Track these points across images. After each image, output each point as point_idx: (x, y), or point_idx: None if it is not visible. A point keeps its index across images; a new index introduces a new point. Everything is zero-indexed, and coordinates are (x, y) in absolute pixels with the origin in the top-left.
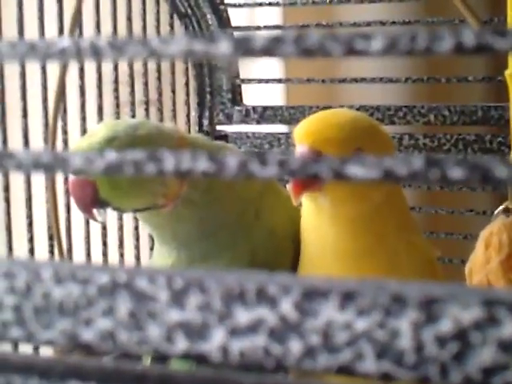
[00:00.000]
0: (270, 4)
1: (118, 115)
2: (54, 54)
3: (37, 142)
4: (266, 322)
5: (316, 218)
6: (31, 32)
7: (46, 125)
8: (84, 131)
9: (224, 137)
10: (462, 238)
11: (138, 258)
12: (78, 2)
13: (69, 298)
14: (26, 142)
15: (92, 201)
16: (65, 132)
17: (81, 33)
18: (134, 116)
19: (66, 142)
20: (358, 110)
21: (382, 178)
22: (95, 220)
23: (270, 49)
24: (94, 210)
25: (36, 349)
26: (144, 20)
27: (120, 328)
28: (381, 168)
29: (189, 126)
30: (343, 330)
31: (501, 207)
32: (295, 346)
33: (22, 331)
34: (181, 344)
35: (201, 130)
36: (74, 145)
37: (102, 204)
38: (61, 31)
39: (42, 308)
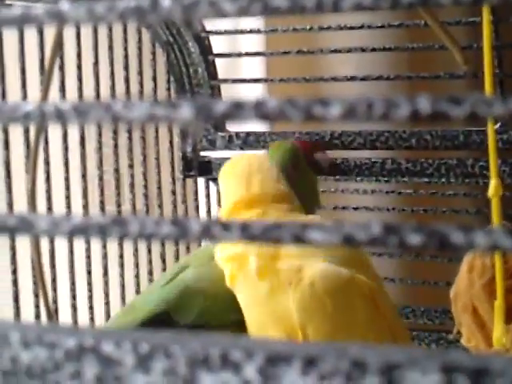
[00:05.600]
0: (251, 31)
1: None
2: (17, 117)
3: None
4: None
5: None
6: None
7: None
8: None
9: (208, 163)
10: (446, 261)
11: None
12: (57, 35)
13: (36, 361)
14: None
15: None
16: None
17: (62, 64)
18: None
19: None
20: (338, 137)
21: (341, 242)
22: None
23: (231, 114)
24: None
25: None
26: (126, 49)
27: None
28: (341, 233)
29: (172, 153)
30: None
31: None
32: None
33: None
34: None
35: (184, 155)
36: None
37: None
38: (41, 62)
39: (9, 372)
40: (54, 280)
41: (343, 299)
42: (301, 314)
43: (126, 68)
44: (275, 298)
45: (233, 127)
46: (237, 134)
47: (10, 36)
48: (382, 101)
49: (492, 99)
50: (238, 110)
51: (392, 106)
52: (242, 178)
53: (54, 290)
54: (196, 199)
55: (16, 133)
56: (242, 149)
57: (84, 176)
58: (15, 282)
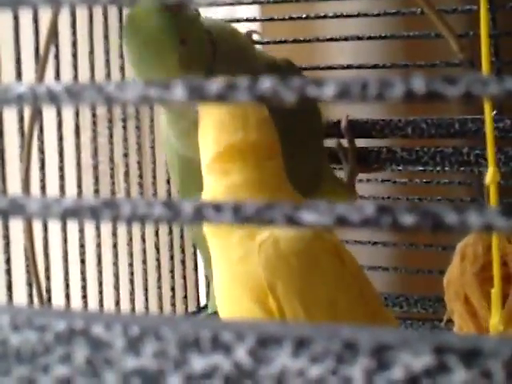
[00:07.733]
0: (247, 20)
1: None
2: (10, 99)
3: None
4: (220, 369)
5: None
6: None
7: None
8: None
9: None
10: (441, 249)
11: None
12: (52, 24)
13: (26, 344)
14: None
15: None
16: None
17: (57, 52)
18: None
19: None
20: (333, 125)
21: (334, 224)
22: None
23: (224, 95)
24: None
25: None
26: (121, 38)
27: (77, 375)
28: (333, 214)
29: None
30: (297, 377)
31: None
32: None
33: None
34: None
35: None
36: None
37: None
38: (36, 51)
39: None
40: (47, 269)
41: (308, 256)
42: (267, 274)
43: (121, 56)
44: (246, 258)
45: None
46: None
47: (4, 25)
48: (377, 81)
49: (487, 78)
50: (231, 90)
51: (386, 85)
52: (237, 118)
53: (48, 278)
54: None
55: (10, 121)
56: None
57: (79, 165)
58: (8, 272)
